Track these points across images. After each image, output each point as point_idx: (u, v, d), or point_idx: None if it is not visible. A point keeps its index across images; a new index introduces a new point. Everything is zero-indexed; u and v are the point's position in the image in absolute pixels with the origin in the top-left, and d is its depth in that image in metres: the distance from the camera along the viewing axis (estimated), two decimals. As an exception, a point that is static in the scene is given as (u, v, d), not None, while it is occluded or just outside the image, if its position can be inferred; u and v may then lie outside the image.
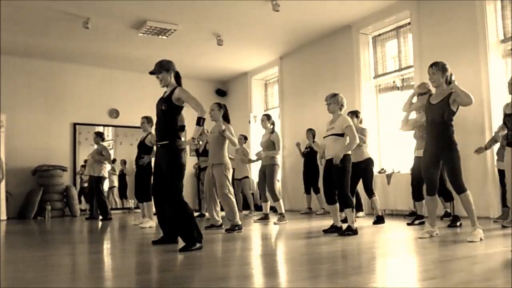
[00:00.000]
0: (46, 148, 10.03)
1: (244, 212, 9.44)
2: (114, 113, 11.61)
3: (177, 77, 4.59)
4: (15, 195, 9.79)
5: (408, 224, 6.18)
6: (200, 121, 4.34)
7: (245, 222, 7.26)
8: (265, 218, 7.47)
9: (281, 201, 7.17)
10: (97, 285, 2.97)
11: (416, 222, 6.12)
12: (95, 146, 9.16)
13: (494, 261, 3.47)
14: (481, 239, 4.31)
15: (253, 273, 3.31)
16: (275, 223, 6.98)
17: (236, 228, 5.86)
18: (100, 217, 8.91)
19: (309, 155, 9.05)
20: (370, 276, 3.12)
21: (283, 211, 7.16)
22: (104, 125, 11.48)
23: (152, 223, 7.01)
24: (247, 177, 9.41)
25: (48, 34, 9.13)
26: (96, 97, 11.32)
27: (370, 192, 6.68)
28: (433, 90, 4.84)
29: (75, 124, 11.15)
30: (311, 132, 9.04)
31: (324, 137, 5.55)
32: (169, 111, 4.41)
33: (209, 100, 13.25)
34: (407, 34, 8.26)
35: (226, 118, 6.18)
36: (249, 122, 11.85)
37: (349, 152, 5.30)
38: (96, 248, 5.05)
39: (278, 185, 7.49)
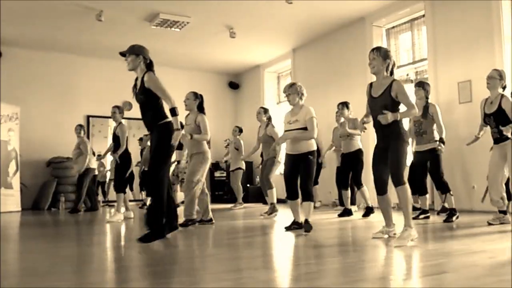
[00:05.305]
0: (60, 140, 10.10)
1: (230, 205, 9.47)
2: (128, 106, 11.63)
3: (150, 64, 4.57)
4: (29, 186, 9.91)
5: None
6: (174, 111, 4.27)
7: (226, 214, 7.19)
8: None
9: (274, 190, 7.05)
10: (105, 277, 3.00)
11: (421, 216, 5.90)
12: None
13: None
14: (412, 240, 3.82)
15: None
16: (261, 215, 6.88)
17: (189, 223, 5.58)
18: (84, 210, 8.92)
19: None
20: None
21: (275, 201, 7.00)
22: (117, 118, 11.52)
23: (120, 216, 6.77)
24: (240, 168, 9.31)
25: (62, 27, 9.19)
26: (109, 90, 11.35)
27: (359, 184, 6.68)
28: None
29: (88, 117, 11.24)
30: None
31: (286, 131, 5.06)
32: (149, 101, 4.38)
33: (222, 93, 13.41)
34: (421, 26, 8.17)
35: (201, 109, 5.87)
36: (262, 114, 11.81)
37: (315, 147, 5.00)
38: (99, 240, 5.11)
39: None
